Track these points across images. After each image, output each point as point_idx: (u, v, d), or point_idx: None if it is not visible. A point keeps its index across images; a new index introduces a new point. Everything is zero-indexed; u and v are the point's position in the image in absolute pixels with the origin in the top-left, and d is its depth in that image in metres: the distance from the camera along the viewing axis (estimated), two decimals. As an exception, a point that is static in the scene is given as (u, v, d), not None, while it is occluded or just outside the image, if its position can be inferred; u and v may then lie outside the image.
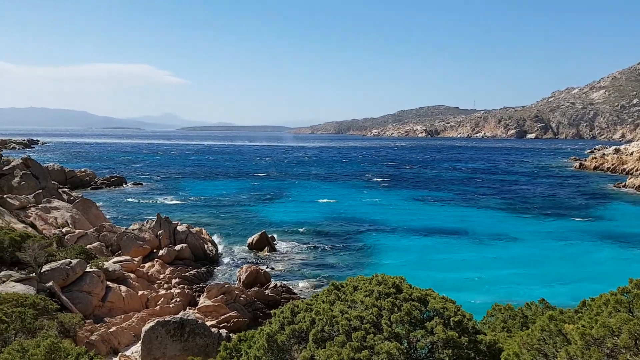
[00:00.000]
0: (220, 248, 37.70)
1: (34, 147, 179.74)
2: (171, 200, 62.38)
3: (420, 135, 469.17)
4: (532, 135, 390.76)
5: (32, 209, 35.25)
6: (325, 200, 63.80)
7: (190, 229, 36.72)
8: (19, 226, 28.33)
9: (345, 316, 9.00)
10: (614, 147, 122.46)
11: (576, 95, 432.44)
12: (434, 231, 45.32)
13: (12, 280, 18.58)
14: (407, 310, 8.89)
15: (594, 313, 8.03)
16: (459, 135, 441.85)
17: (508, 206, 60.28)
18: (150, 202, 60.46)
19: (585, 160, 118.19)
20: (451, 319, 8.96)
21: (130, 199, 62.22)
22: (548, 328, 7.89)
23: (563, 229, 46.59)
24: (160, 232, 34.74)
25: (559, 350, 7.62)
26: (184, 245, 34.31)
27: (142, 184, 78.23)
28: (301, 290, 28.88)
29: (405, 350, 8.46)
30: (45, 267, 21.10)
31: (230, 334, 18.75)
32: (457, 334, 8.62)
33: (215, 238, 39.59)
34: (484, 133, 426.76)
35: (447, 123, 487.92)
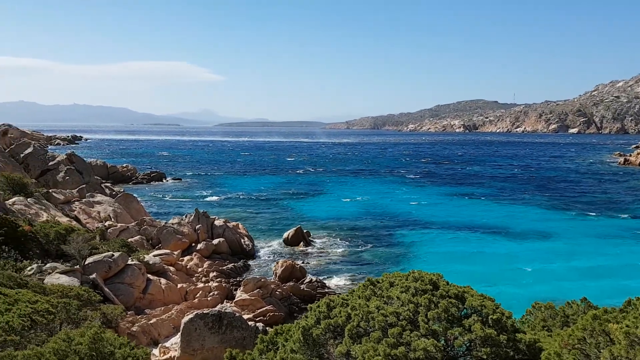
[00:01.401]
0: (256, 242, 38.11)
1: (78, 143, 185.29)
2: (209, 195, 63.39)
3: (458, 130, 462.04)
4: (575, 130, 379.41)
5: (76, 203, 36.40)
6: (361, 196, 63.57)
7: (228, 224, 37.24)
8: (64, 220, 29.31)
9: (381, 312, 8.97)
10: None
11: (621, 89, 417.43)
12: (473, 228, 44.48)
13: (57, 272, 19.23)
14: (445, 307, 8.80)
15: (639, 312, 7.77)
16: (498, 130, 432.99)
17: (551, 203, 58.59)
18: (189, 197, 61.56)
19: (631, 155, 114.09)
20: (489, 317, 8.81)
21: (169, 194, 63.50)
22: (591, 327, 7.68)
23: (609, 227, 44.99)
24: (198, 226, 35.36)
25: (602, 350, 7.41)
26: (222, 239, 34.83)
27: (181, 180, 79.75)
28: (336, 286, 28.93)
29: (443, 348, 8.37)
30: (89, 260, 21.76)
31: (267, 328, 18.96)
32: (495, 332, 8.48)
33: (252, 233, 40.00)
34: (524, 128, 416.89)
35: (486, 118, 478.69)
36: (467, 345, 8.62)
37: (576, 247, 38.17)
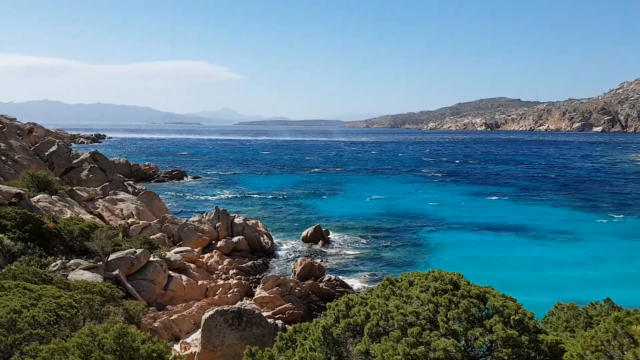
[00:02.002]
0: (275, 240, 38.26)
1: (101, 142, 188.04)
2: (229, 193, 63.84)
3: (479, 128, 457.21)
4: (599, 129, 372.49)
5: (100, 200, 36.94)
6: (380, 195, 63.31)
7: (247, 222, 37.46)
8: (88, 217, 29.77)
9: (401, 311, 8.94)
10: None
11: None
12: (495, 228, 43.89)
13: (81, 268, 19.56)
14: (465, 307, 8.72)
15: (665, 315, 7.61)
16: (520, 129, 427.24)
17: (577, 204, 57.36)
18: (209, 195, 62.09)
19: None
20: (511, 318, 8.71)
21: (190, 192, 64.14)
22: (614, 329, 7.55)
23: (633, 228, 44.08)
24: (218, 224, 35.63)
25: (625, 352, 7.28)
26: (241, 237, 35.06)
27: (201, 178, 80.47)
28: (355, 285, 28.91)
29: (463, 348, 8.31)
30: (112, 256, 22.10)
31: (286, 325, 19.01)
32: (517, 333, 8.38)
33: (271, 231, 40.19)
34: (548, 126, 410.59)
35: (509, 116, 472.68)
36: (488, 345, 8.53)
37: (604, 250, 37.11)
